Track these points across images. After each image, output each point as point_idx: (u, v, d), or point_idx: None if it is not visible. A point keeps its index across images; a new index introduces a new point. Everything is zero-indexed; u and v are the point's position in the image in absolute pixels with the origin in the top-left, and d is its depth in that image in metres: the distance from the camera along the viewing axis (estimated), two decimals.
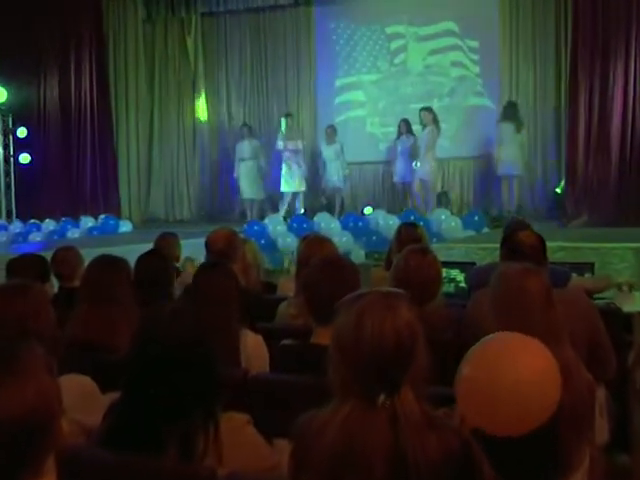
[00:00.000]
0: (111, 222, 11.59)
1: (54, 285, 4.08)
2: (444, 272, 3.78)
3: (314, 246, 3.77)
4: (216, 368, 1.95)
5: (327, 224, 9.70)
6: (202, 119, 13.46)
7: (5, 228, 11.91)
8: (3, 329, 2.32)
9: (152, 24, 13.60)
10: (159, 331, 1.92)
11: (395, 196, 11.82)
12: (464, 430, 1.84)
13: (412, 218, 8.98)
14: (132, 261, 3.43)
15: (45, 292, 2.78)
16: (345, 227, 9.65)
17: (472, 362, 1.96)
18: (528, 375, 1.89)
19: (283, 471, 1.91)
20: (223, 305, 2.94)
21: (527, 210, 10.97)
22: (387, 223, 9.42)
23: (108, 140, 13.33)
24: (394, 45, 12.27)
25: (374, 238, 9.30)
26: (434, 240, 7.78)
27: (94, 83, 13.38)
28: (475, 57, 11.80)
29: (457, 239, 8.35)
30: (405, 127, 11.25)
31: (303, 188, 11.71)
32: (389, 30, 12.25)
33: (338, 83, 12.61)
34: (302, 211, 11.55)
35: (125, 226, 11.69)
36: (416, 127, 11.13)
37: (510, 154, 10.61)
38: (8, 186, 13.49)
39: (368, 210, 11.46)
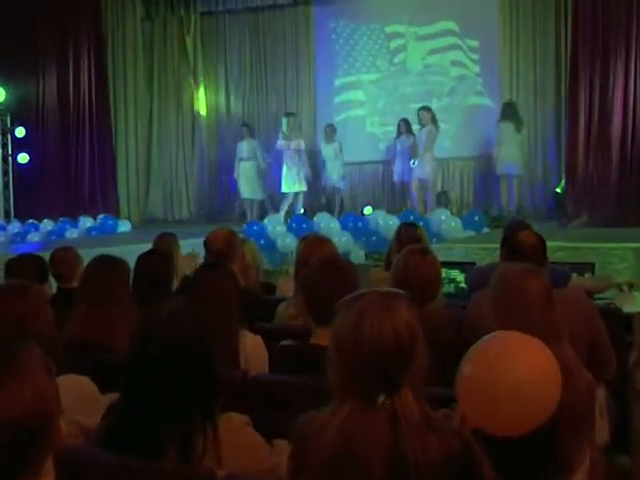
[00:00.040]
0: (110, 222, 11.58)
1: (52, 285, 4.07)
2: (444, 272, 3.79)
3: (313, 246, 3.77)
4: (215, 368, 1.94)
5: (327, 224, 9.69)
6: (201, 118, 13.45)
7: (3, 228, 11.90)
8: (1, 329, 2.32)
9: (151, 23, 13.59)
10: (158, 331, 1.92)
11: (395, 196, 11.81)
12: (464, 430, 1.84)
13: (412, 218, 8.97)
14: (131, 261, 3.42)
15: (43, 292, 2.77)
16: (345, 227, 9.64)
17: (472, 361, 1.96)
18: (528, 374, 1.89)
19: (282, 472, 1.90)
20: (222, 305, 2.93)
21: (527, 210, 10.97)
22: (387, 223, 9.41)
23: (107, 140, 13.31)
24: (394, 44, 12.26)
25: (374, 238, 9.29)
26: (434, 240, 7.77)
27: (93, 82, 13.37)
28: (475, 56, 11.79)
29: (457, 239, 8.34)
30: (404, 127, 11.24)
31: (304, 188, 11.67)
32: (389, 29, 12.24)
33: (337, 82, 12.60)
34: (302, 211, 11.53)
35: (124, 226, 11.67)
36: (415, 127, 11.12)
37: (510, 154, 10.60)
38: (6, 186, 13.48)
39: (368, 210, 11.45)
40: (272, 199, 12.40)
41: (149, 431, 1.84)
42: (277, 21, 12.94)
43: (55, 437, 1.40)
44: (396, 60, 12.28)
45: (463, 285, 4.54)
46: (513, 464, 1.97)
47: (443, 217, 9.61)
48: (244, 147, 12.02)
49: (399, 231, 4.29)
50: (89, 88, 13.38)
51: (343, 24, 12.51)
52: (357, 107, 12.52)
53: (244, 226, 9.80)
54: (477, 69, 11.81)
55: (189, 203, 13.50)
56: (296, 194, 11.69)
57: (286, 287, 4.23)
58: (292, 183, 11.58)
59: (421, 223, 6.34)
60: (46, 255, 4.15)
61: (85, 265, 3.34)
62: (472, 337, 2.08)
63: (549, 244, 3.30)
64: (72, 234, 10.90)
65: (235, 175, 12.13)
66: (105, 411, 1.99)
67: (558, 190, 11.05)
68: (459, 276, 4.63)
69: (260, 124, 12.97)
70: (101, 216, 11.85)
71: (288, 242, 8.99)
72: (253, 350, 2.98)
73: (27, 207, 13.00)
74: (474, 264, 4.92)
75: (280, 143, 11.66)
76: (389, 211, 10.61)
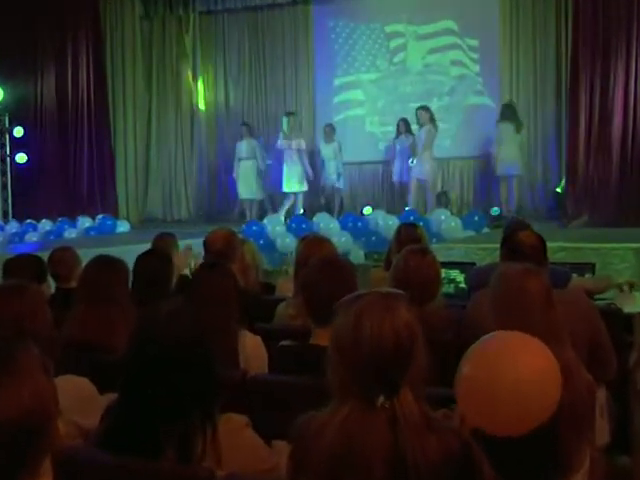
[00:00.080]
0: (108, 222, 11.56)
1: (51, 286, 4.06)
2: (444, 272, 3.78)
3: (313, 246, 3.76)
4: (214, 369, 1.94)
5: (326, 224, 9.68)
6: (200, 118, 13.43)
7: (1, 228, 11.88)
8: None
9: (150, 22, 13.57)
10: (157, 331, 1.92)
11: (394, 196, 11.80)
12: (464, 431, 1.84)
13: (412, 218, 8.97)
14: (130, 262, 3.42)
15: (42, 292, 2.77)
16: (344, 227, 9.63)
17: (472, 361, 1.95)
18: (528, 374, 1.89)
19: (282, 473, 1.90)
20: (222, 305, 2.93)
21: (527, 210, 10.96)
22: (387, 223, 9.39)
23: (105, 139, 13.29)
24: (393, 44, 12.25)
25: (373, 238, 9.28)
26: (434, 240, 7.76)
27: (91, 82, 13.34)
28: (475, 56, 11.79)
29: (457, 239, 8.33)
30: (404, 126, 11.24)
31: (304, 188, 11.67)
32: (388, 29, 12.23)
33: (337, 82, 12.59)
34: (301, 211, 11.52)
35: (122, 226, 11.66)
36: (414, 127, 11.11)
37: (509, 154, 10.60)
38: (4, 186, 13.46)
39: (367, 210, 11.44)
40: (272, 199, 12.40)
41: (148, 431, 1.83)
42: (276, 20, 12.92)
43: (53, 437, 1.40)
44: (396, 59, 12.27)
45: (463, 285, 4.53)
46: (513, 464, 1.96)
47: (443, 217, 9.60)
48: (243, 147, 12.01)
49: (399, 231, 4.28)
50: (88, 88, 13.36)
51: (342, 23, 12.49)
52: (356, 107, 12.51)
53: (243, 226, 9.78)
54: (477, 68, 11.81)
55: (188, 203, 13.48)
56: (296, 194, 11.68)
57: (286, 287, 4.23)
58: (293, 183, 11.57)
59: (421, 223, 6.33)
60: (44, 255, 4.14)
61: (84, 265, 3.34)
62: (472, 337, 2.08)
63: (549, 244, 3.30)
64: (71, 234, 10.89)
65: (234, 175, 12.12)
66: (104, 412, 1.98)
67: (558, 190, 11.05)
68: (459, 276, 4.62)
69: (259, 123, 12.96)
70: (100, 216, 11.83)
71: (287, 242, 8.99)
72: (253, 350, 2.98)
73: (25, 207, 12.99)
74: (474, 264, 4.92)
75: (280, 142, 11.65)
76: (389, 211, 10.60)
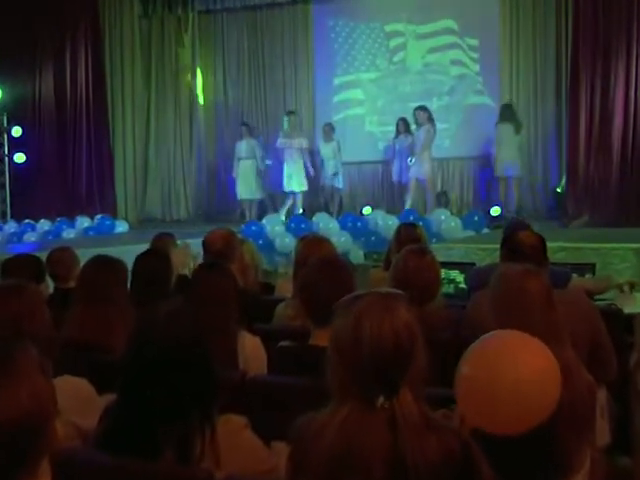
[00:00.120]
0: (107, 222, 11.56)
1: (49, 286, 4.06)
2: (443, 273, 3.78)
3: (312, 246, 3.76)
4: (213, 369, 1.93)
5: (326, 224, 9.68)
6: (199, 117, 13.42)
7: (0, 228, 11.88)
8: None
9: (149, 21, 13.55)
10: (155, 332, 1.91)
11: (394, 196, 11.79)
12: (464, 431, 1.83)
13: (411, 218, 8.97)
14: (129, 262, 3.41)
15: (40, 292, 2.76)
16: (344, 227, 9.63)
17: (471, 361, 1.95)
18: (528, 374, 1.88)
19: (281, 474, 1.90)
20: (221, 306, 2.93)
21: (527, 210, 10.96)
22: (386, 223, 9.39)
23: (104, 138, 13.28)
24: (393, 43, 12.25)
25: (373, 238, 9.28)
26: (434, 240, 7.76)
27: (90, 81, 13.34)
28: (475, 55, 11.78)
29: (457, 239, 8.34)
30: (403, 126, 11.23)
31: (305, 188, 11.66)
32: (388, 28, 12.23)
33: (336, 81, 12.59)
34: (300, 211, 11.52)
35: (121, 226, 11.66)
36: (413, 127, 11.11)
37: (509, 155, 10.60)
38: (3, 186, 13.45)
39: (367, 210, 11.43)
40: (272, 198, 12.39)
41: (146, 432, 1.83)
42: (275, 19, 12.91)
43: (51, 438, 1.40)
44: (395, 59, 12.27)
45: (463, 285, 4.53)
46: (513, 464, 1.96)
47: (443, 217, 9.60)
48: (243, 146, 12.00)
49: (399, 231, 4.28)
50: (86, 87, 13.36)
51: (342, 22, 12.49)
52: (356, 106, 12.50)
53: (242, 226, 9.78)
54: (477, 68, 11.80)
55: (187, 203, 13.46)
56: (296, 194, 11.67)
57: (285, 287, 4.22)
58: (294, 182, 11.56)
59: (421, 223, 6.33)
60: (43, 255, 4.14)
61: (82, 265, 3.33)
62: (471, 337, 2.08)
63: (550, 244, 3.30)
64: (69, 234, 10.89)
65: (234, 174, 12.11)
66: (102, 412, 1.98)
67: (558, 190, 11.05)
68: (459, 276, 4.62)
69: (259, 123, 12.95)
70: (98, 216, 11.84)
71: (287, 242, 8.98)
72: (252, 351, 2.97)
73: (24, 207, 12.98)
74: (474, 264, 4.92)
75: (281, 141, 11.64)
76: (388, 211, 10.60)
